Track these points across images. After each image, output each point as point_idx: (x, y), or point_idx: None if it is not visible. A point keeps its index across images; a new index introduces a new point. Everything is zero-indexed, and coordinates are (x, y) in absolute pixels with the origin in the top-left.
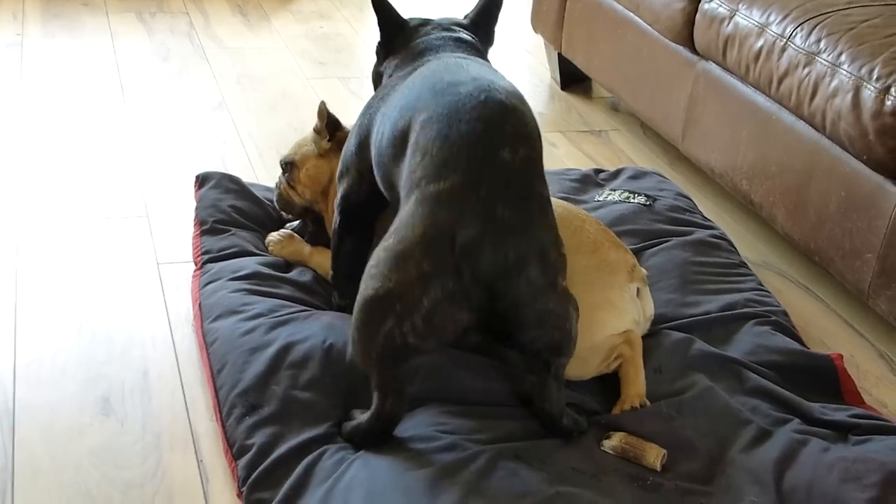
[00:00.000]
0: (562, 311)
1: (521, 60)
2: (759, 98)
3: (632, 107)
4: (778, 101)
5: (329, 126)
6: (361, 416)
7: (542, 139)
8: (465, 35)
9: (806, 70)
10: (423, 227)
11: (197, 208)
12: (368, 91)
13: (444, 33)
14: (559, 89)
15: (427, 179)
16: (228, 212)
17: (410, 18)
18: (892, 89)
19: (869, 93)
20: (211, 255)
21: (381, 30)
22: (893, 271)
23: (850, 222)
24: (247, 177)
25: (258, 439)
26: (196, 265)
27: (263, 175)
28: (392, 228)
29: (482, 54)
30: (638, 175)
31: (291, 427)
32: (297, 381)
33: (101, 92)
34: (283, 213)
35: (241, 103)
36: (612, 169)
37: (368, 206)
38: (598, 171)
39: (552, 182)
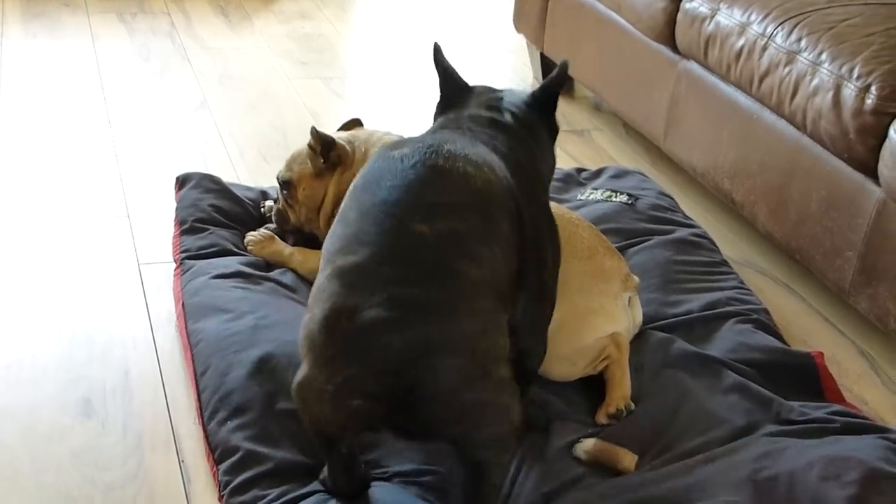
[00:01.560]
0: (500, 402)
1: (503, 60)
2: (741, 97)
3: (614, 106)
4: (759, 100)
5: (323, 149)
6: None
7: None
8: (508, 118)
9: (787, 69)
10: (327, 305)
11: (177, 208)
12: (351, 91)
13: (485, 112)
14: None
15: (339, 252)
16: (209, 211)
17: (476, 87)
18: (873, 88)
19: (849, 91)
20: (190, 254)
21: (441, 92)
22: (874, 269)
23: (830, 221)
24: (228, 177)
25: (240, 444)
26: (176, 263)
27: (245, 175)
28: (308, 303)
29: (518, 141)
30: (620, 174)
31: (273, 435)
32: (280, 388)
33: (82, 92)
34: (279, 226)
35: (222, 103)
36: (595, 168)
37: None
38: (581, 171)
39: None
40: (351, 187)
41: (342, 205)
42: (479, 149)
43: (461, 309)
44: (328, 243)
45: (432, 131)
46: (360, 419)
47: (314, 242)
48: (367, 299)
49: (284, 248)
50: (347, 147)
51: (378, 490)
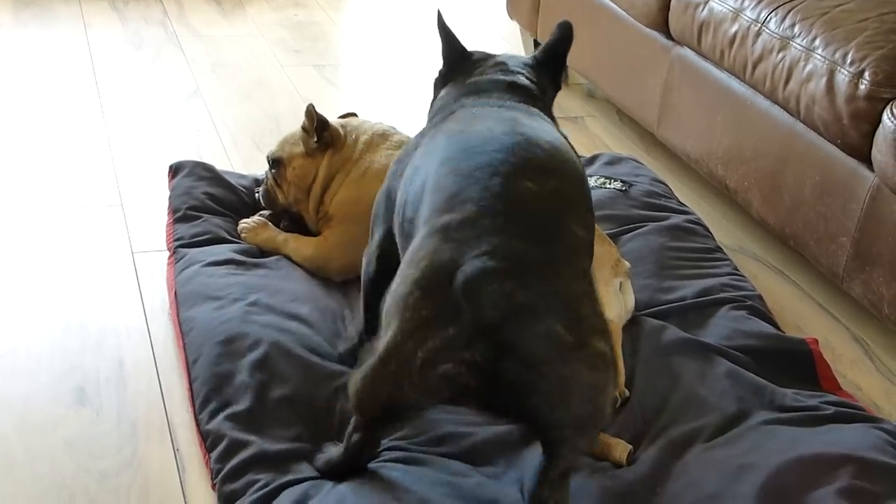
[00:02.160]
0: (593, 379)
1: (496, 47)
2: (734, 83)
3: (607, 93)
4: (753, 86)
5: (318, 128)
6: (333, 450)
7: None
8: (523, 80)
9: (780, 55)
10: (425, 263)
11: (170, 196)
12: (344, 79)
13: (501, 76)
14: None
15: (436, 212)
16: (202, 199)
17: (474, 52)
18: (866, 73)
19: (843, 77)
20: (183, 242)
21: (443, 59)
22: (867, 255)
23: (824, 206)
24: (222, 165)
25: (230, 433)
26: (169, 251)
27: (238, 163)
28: (399, 268)
29: (540, 102)
30: (614, 161)
31: (265, 422)
32: (271, 375)
33: (75, 81)
34: (266, 207)
35: (215, 91)
36: (589, 155)
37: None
38: None
39: None
40: (433, 170)
41: (419, 176)
42: (548, 128)
43: (568, 268)
44: (413, 210)
45: (456, 97)
46: (443, 390)
47: (308, 230)
48: (470, 251)
49: (278, 235)
50: (340, 130)
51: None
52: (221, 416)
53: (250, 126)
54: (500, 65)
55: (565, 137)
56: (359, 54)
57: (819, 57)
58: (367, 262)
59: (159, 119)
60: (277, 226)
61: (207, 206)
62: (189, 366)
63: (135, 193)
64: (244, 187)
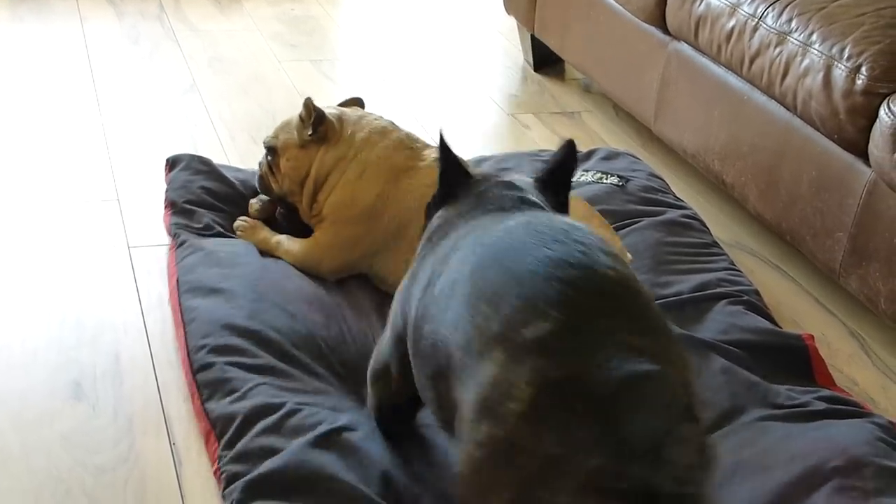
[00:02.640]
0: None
1: (494, 42)
2: (731, 78)
3: (604, 88)
4: (750, 81)
5: (314, 122)
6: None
7: (517, 122)
8: (533, 197)
9: (777, 50)
10: (530, 391)
11: (167, 190)
12: (341, 74)
13: (509, 191)
14: (532, 71)
15: (511, 327)
16: (199, 193)
17: (475, 175)
18: (863, 68)
19: (840, 72)
20: (181, 227)
21: (441, 181)
22: (864, 250)
23: (821, 202)
24: (218, 160)
25: (239, 415)
26: (170, 236)
27: (235, 158)
28: (459, 422)
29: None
30: (611, 156)
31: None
32: (279, 364)
33: (71, 76)
34: (262, 192)
35: (212, 86)
36: (585, 150)
37: (408, 410)
38: None
39: (524, 163)
40: (468, 276)
41: (463, 297)
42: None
43: (677, 360)
44: (469, 337)
45: (462, 213)
46: None
47: (304, 227)
48: (591, 360)
49: (272, 237)
50: (336, 124)
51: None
52: (227, 401)
53: (247, 121)
54: (505, 183)
55: None
56: (355, 49)
57: (816, 52)
58: (378, 370)
59: (156, 114)
60: (276, 212)
61: (204, 200)
62: (191, 356)
63: (131, 188)
64: (241, 181)
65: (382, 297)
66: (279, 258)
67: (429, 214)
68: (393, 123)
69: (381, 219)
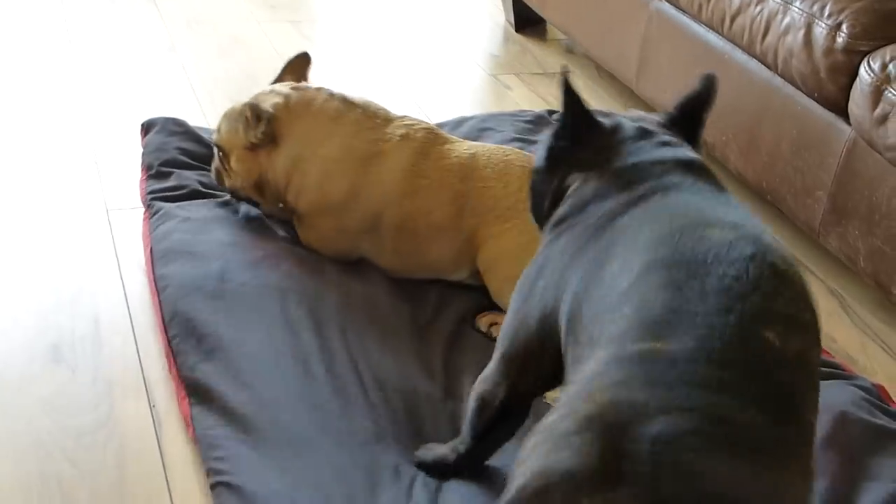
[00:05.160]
0: None
1: (475, 2)
2: (712, 37)
3: (586, 49)
4: (730, 39)
5: (265, 130)
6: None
7: (498, 83)
8: (690, 153)
9: (758, 8)
10: (607, 398)
11: (143, 154)
12: (320, 34)
13: (663, 150)
14: (514, 32)
15: (636, 334)
16: (174, 154)
17: (601, 122)
18: (844, 26)
19: (820, 30)
20: (156, 195)
21: (565, 130)
22: (844, 209)
23: (801, 161)
24: (198, 122)
25: (212, 382)
26: (144, 206)
27: (214, 120)
28: (564, 396)
29: (721, 185)
30: None
31: (247, 373)
32: (249, 327)
33: (47, 36)
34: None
35: (191, 48)
36: None
37: (535, 393)
38: (552, 112)
39: (505, 123)
40: (639, 271)
41: (626, 289)
42: (774, 239)
43: (799, 463)
44: (603, 328)
45: (622, 186)
46: None
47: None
48: (671, 400)
49: None
50: (284, 116)
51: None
52: (203, 368)
53: (226, 82)
54: (650, 137)
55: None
56: (335, 10)
57: (797, 10)
58: (486, 388)
59: (134, 75)
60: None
61: (181, 161)
62: (166, 323)
63: (110, 150)
64: None
65: None
66: (260, 214)
67: (548, 165)
68: (345, 99)
69: (356, 210)
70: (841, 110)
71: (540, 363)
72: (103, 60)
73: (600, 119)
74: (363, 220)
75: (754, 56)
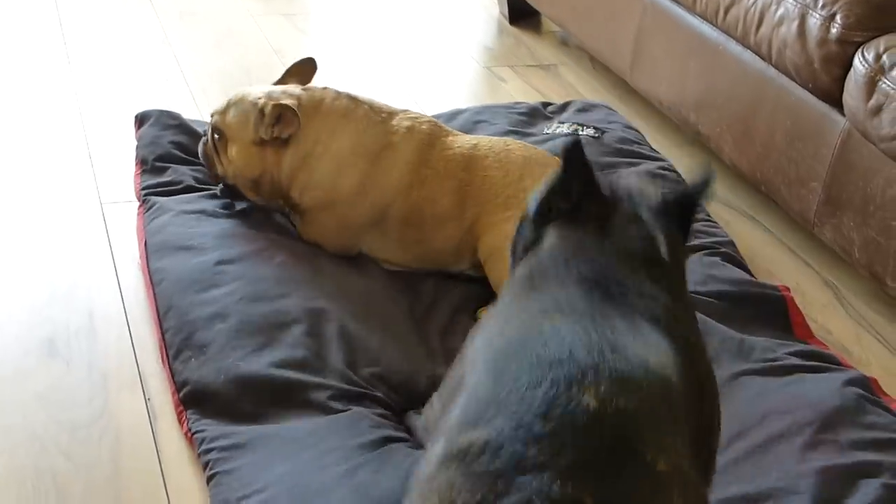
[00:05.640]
0: None
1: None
2: (707, 28)
3: (580, 40)
4: (725, 31)
5: (282, 133)
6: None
7: (493, 75)
8: (663, 249)
9: None
10: (434, 499)
11: (137, 147)
12: (314, 27)
13: (640, 245)
14: (508, 24)
15: (459, 423)
16: (169, 148)
17: (604, 191)
18: (838, 17)
19: (814, 21)
20: (151, 190)
21: (567, 195)
22: (838, 199)
23: (795, 151)
24: (191, 115)
25: (204, 378)
26: (139, 201)
27: (208, 113)
28: (425, 460)
29: (675, 278)
30: (586, 108)
31: (240, 370)
32: (244, 325)
33: (40, 29)
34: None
35: (184, 40)
36: (561, 102)
37: None
38: (547, 105)
39: (499, 115)
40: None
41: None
42: (646, 337)
43: None
44: (453, 408)
45: (576, 277)
46: None
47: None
48: (498, 498)
49: None
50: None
51: None
52: (194, 364)
53: (220, 75)
54: (642, 228)
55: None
56: (329, 2)
57: (790, 1)
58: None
59: (127, 68)
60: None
61: (175, 155)
62: (160, 317)
63: (103, 143)
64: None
65: None
66: (254, 208)
67: (532, 226)
68: (351, 96)
69: (364, 203)
70: (835, 101)
71: None
72: (96, 53)
73: (602, 187)
74: (371, 212)
75: (748, 47)
